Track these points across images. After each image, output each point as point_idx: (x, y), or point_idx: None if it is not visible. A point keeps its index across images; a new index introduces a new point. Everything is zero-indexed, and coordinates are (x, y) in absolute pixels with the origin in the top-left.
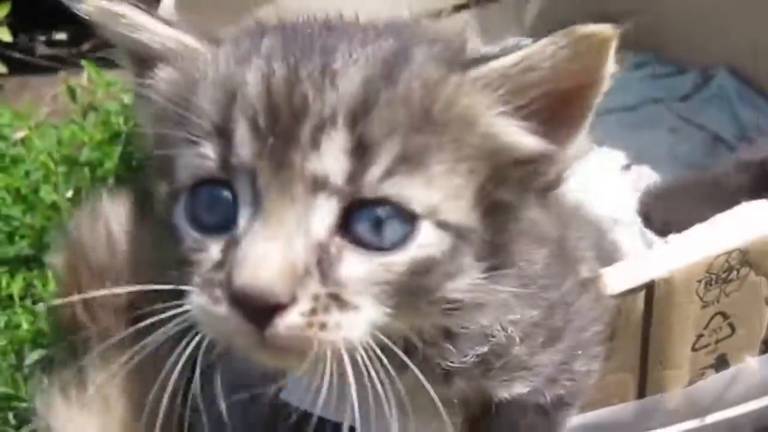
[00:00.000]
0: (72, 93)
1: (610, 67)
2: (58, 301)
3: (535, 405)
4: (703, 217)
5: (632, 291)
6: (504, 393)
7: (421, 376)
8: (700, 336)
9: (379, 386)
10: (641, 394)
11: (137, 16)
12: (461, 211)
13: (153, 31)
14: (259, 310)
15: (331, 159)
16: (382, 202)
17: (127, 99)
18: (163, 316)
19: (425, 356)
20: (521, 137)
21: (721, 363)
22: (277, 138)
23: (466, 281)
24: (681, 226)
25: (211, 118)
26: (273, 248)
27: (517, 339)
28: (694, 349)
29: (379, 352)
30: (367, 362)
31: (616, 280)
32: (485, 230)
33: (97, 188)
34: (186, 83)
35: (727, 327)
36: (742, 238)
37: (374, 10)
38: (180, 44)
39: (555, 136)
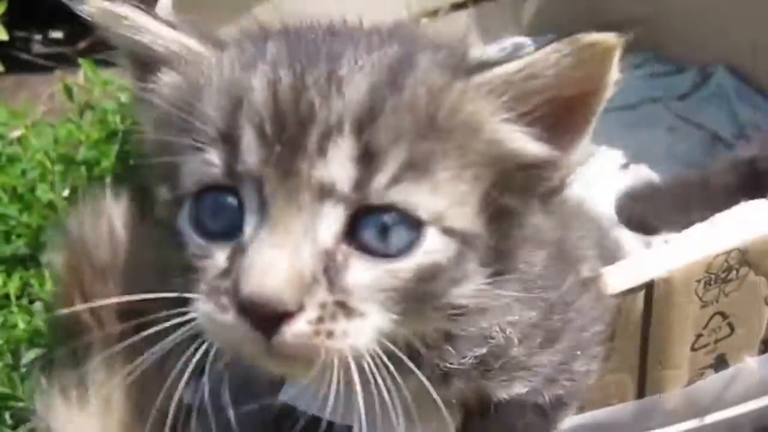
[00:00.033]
0: (69, 91)
1: (614, 75)
2: (66, 311)
3: (534, 405)
4: (688, 218)
5: (631, 291)
6: (503, 393)
7: (425, 381)
8: (699, 336)
9: (385, 393)
10: (640, 394)
11: (139, 18)
12: (467, 217)
13: (156, 33)
14: (266, 318)
15: (338, 166)
16: (388, 208)
17: (124, 97)
18: (167, 324)
19: (424, 358)
20: (526, 143)
21: (721, 363)
22: (283, 145)
23: (471, 287)
24: (664, 227)
25: (217, 124)
26: (280, 256)
27: (516, 340)
28: (693, 349)
29: (385, 359)
30: (374, 369)
31: (616, 279)
32: (490, 236)
33: (94, 187)
34: (190, 88)
35: (727, 327)
36: (741, 237)
37: (372, 8)
38: (183, 47)
39: (559, 142)
